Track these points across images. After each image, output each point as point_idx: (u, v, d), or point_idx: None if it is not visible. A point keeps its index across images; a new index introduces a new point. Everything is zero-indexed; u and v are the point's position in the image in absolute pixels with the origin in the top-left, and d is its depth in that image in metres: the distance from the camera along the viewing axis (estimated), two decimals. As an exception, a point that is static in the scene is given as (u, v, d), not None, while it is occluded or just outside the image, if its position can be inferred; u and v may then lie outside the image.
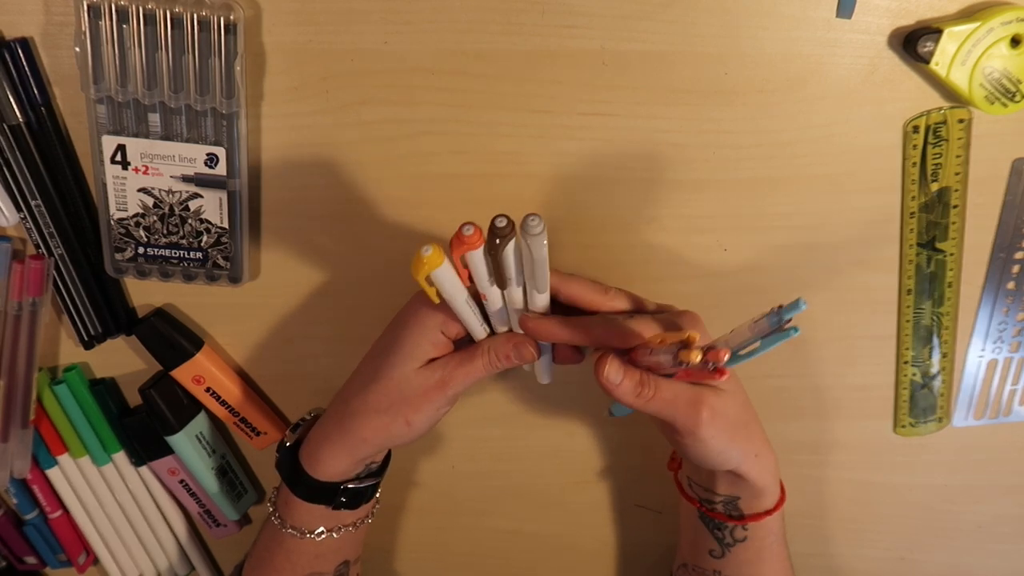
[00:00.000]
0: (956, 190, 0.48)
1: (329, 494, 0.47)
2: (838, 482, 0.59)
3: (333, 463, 0.46)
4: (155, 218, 0.48)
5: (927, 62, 0.43)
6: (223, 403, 0.54)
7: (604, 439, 0.58)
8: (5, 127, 0.46)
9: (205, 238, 0.48)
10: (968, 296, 0.52)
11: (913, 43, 0.43)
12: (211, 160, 0.46)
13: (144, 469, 0.58)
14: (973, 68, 0.43)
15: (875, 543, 0.62)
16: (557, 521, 0.61)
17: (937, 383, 0.54)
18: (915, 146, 0.47)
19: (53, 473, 0.57)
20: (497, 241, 0.38)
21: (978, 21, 0.42)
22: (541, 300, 0.43)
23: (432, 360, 0.44)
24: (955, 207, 0.49)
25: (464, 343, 0.45)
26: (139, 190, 0.47)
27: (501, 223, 0.38)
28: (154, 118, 0.45)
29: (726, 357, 0.36)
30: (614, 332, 0.42)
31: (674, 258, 0.51)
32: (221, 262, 0.49)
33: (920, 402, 0.55)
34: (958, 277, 0.51)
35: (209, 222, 0.48)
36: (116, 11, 0.42)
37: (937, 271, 0.51)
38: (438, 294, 0.40)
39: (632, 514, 0.61)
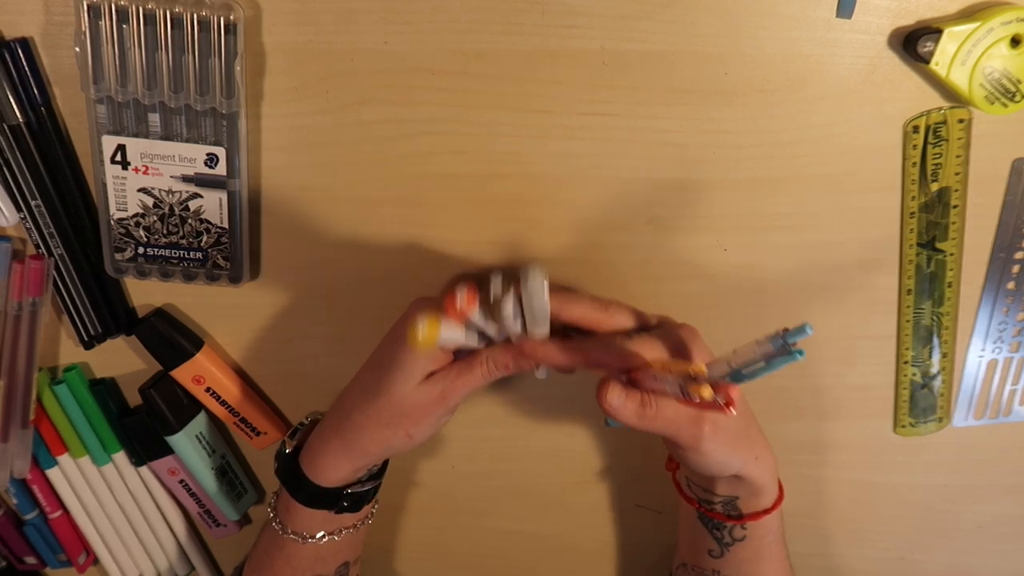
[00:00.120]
0: (956, 190, 0.48)
1: (332, 499, 0.47)
2: (838, 482, 0.59)
3: (335, 471, 0.46)
4: (155, 218, 0.48)
5: (927, 62, 0.43)
6: (223, 403, 0.54)
7: (604, 439, 0.58)
8: (5, 127, 0.46)
9: (205, 238, 0.48)
10: (968, 296, 0.52)
11: (913, 43, 0.43)
12: (211, 160, 0.46)
13: (144, 469, 0.58)
14: (973, 68, 0.43)
15: (875, 543, 0.62)
16: (557, 521, 0.61)
17: (937, 383, 0.54)
18: (915, 146, 0.47)
19: (53, 473, 0.57)
20: (493, 301, 0.38)
21: (978, 21, 0.42)
22: (540, 332, 0.43)
23: (431, 374, 0.45)
24: (955, 207, 0.49)
25: (463, 352, 0.46)
26: (139, 190, 0.47)
27: (496, 288, 0.37)
28: (154, 118, 0.45)
29: (736, 395, 0.36)
30: (614, 355, 0.42)
31: (674, 258, 0.51)
32: (221, 262, 0.49)
33: (920, 402, 0.55)
34: (958, 277, 0.51)
35: (209, 222, 0.48)
36: (116, 11, 0.42)
37: (937, 271, 0.51)
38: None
39: (632, 514, 0.61)
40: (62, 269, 0.50)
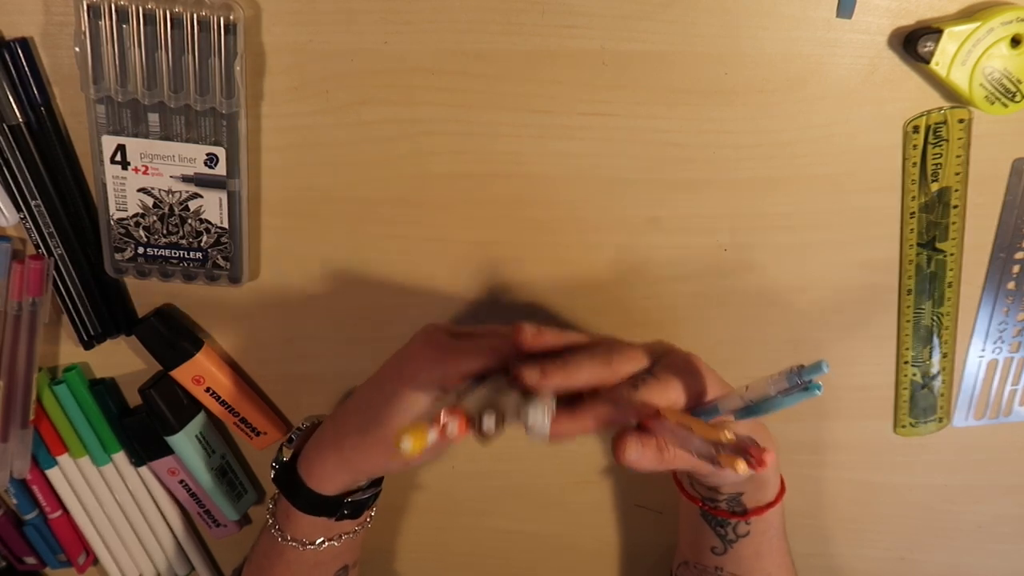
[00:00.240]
0: (956, 190, 0.48)
1: (332, 507, 0.47)
2: (838, 482, 0.59)
3: (333, 482, 0.46)
4: (155, 218, 0.48)
5: (927, 62, 0.43)
6: (223, 403, 0.54)
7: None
8: (5, 127, 0.46)
9: (205, 238, 0.48)
10: (968, 296, 0.52)
11: (913, 43, 0.43)
12: (211, 160, 0.46)
13: (144, 469, 0.58)
14: (973, 68, 0.43)
15: (875, 543, 0.61)
16: (557, 521, 0.61)
17: (937, 383, 0.54)
18: (915, 146, 0.47)
19: (53, 473, 0.57)
20: (484, 434, 0.36)
21: (978, 21, 0.42)
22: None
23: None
24: (955, 207, 0.49)
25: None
26: (139, 190, 0.47)
27: (489, 428, 0.35)
28: (154, 118, 0.45)
29: (770, 460, 0.35)
30: (625, 411, 0.40)
31: (674, 258, 0.51)
32: (221, 262, 0.49)
33: (920, 402, 0.55)
34: (958, 277, 0.51)
35: (209, 222, 0.48)
36: (116, 11, 0.42)
37: (937, 271, 0.51)
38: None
39: (632, 514, 0.61)
40: (62, 269, 0.50)
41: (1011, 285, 0.52)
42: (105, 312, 0.52)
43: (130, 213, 0.48)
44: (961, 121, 0.46)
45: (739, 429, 0.41)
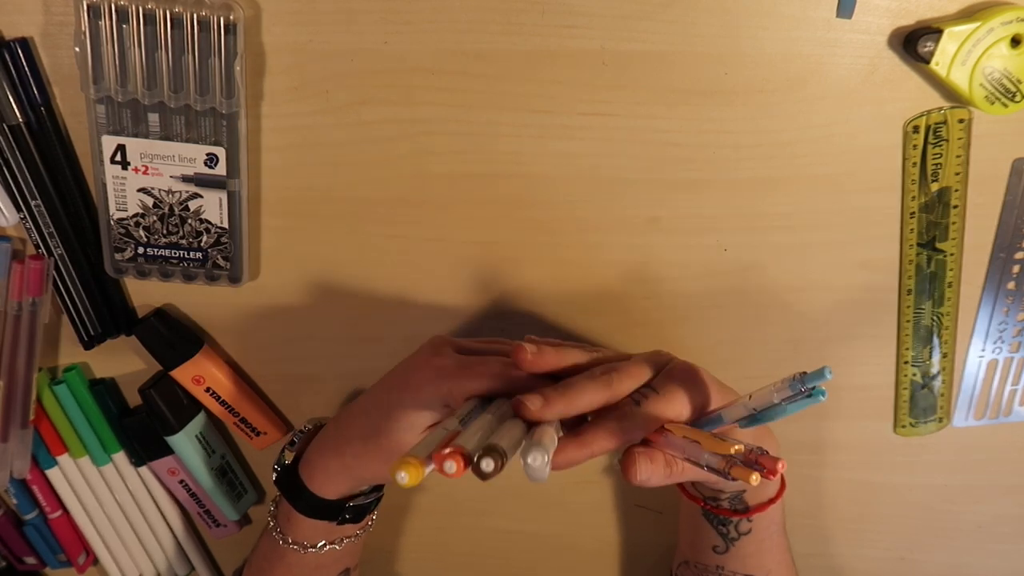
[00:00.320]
0: (956, 190, 0.48)
1: (334, 511, 0.47)
2: (838, 482, 0.59)
3: (334, 487, 0.47)
4: (155, 218, 0.48)
5: (927, 62, 0.43)
6: (223, 403, 0.54)
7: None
8: (5, 127, 0.46)
9: (205, 238, 0.48)
10: (968, 296, 0.52)
11: (913, 43, 0.43)
12: (211, 160, 0.46)
13: (144, 469, 0.58)
14: (973, 68, 0.43)
15: (875, 543, 0.61)
16: (557, 521, 0.61)
17: (937, 383, 0.54)
18: (915, 146, 0.47)
19: (53, 473, 0.57)
20: (482, 475, 0.36)
21: (978, 21, 0.42)
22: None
23: (434, 424, 0.43)
24: (955, 207, 0.49)
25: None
26: (139, 190, 0.47)
27: (488, 469, 0.34)
28: (154, 118, 0.45)
29: (782, 469, 0.35)
30: (629, 432, 0.40)
31: (674, 258, 0.51)
32: (221, 262, 0.49)
33: (920, 402, 0.55)
34: (958, 277, 0.51)
35: (209, 222, 0.48)
36: (116, 11, 0.42)
37: (937, 271, 0.51)
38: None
39: (632, 514, 0.61)
40: (62, 269, 0.50)
41: (1011, 285, 0.52)
42: (105, 312, 0.52)
43: (130, 213, 0.48)
44: (961, 121, 0.46)
45: (744, 435, 0.41)
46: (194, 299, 0.52)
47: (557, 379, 0.42)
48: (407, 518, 0.62)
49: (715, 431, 0.40)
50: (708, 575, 0.51)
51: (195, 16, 0.42)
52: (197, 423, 0.55)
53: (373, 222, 0.50)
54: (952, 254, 0.50)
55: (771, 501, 0.48)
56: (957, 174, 0.48)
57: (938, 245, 0.50)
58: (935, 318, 0.52)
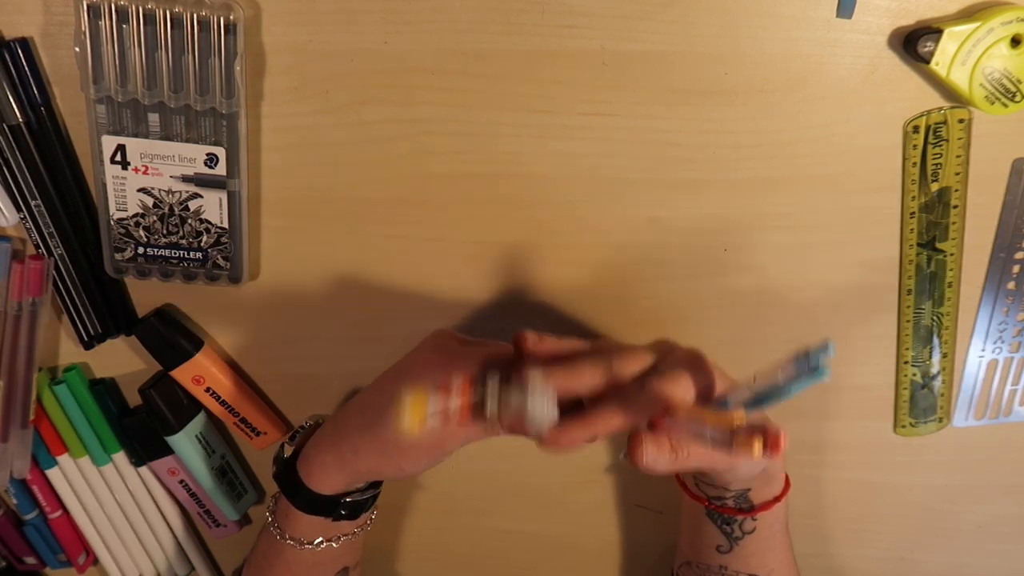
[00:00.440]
0: (956, 190, 0.48)
1: (329, 507, 0.47)
2: (838, 482, 0.59)
3: (330, 482, 0.46)
4: (155, 218, 0.48)
5: (927, 62, 0.43)
6: (223, 403, 0.54)
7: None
8: (5, 127, 0.46)
9: (205, 238, 0.48)
10: (968, 296, 0.52)
11: (913, 43, 0.43)
12: (211, 160, 0.46)
13: (144, 469, 0.58)
14: (973, 68, 0.43)
15: (875, 543, 0.62)
16: (558, 521, 0.61)
17: (937, 383, 0.54)
18: (915, 146, 0.47)
19: (53, 473, 0.57)
20: (489, 416, 0.36)
21: (978, 21, 0.42)
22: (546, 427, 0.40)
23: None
24: (955, 207, 0.49)
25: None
26: (139, 190, 0.47)
27: (493, 405, 0.34)
28: (154, 118, 0.45)
29: (784, 443, 0.36)
30: (635, 411, 0.40)
31: (674, 258, 0.51)
32: (221, 262, 0.49)
33: (920, 402, 0.55)
34: (958, 277, 0.51)
35: (209, 222, 0.48)
36: (116, 11, 0.42)
37: (937, 271, 0.51)
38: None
39: (633, 514, 0.61)
40: (62, 269, 0.50)
41: (1011, 285, 0.52)
42: (105, 312, 0.52)
43: (130, 213, 0.48)
44: (961, 121, 0.46)
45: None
46: (194, 299, 0.52)
47: None
48: (407, 518, 0.62)
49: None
50: (711, 575, 0.50)
51: (195, 16, 0.42)
52: (197, 423, 0.55)
53: (373, 222, 0.50)
54: (952, 254, 0.50)
55: (776, 499, 0.48)
56: (957, 174, 0.48)
57: (938, 245, 0.50)
58: (935, 318, 0.52)
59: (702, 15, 0.44)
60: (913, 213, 0.49)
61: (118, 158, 0.46)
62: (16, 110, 0.45)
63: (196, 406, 0.55)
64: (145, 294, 0.52)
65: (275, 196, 0.49)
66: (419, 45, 0.45)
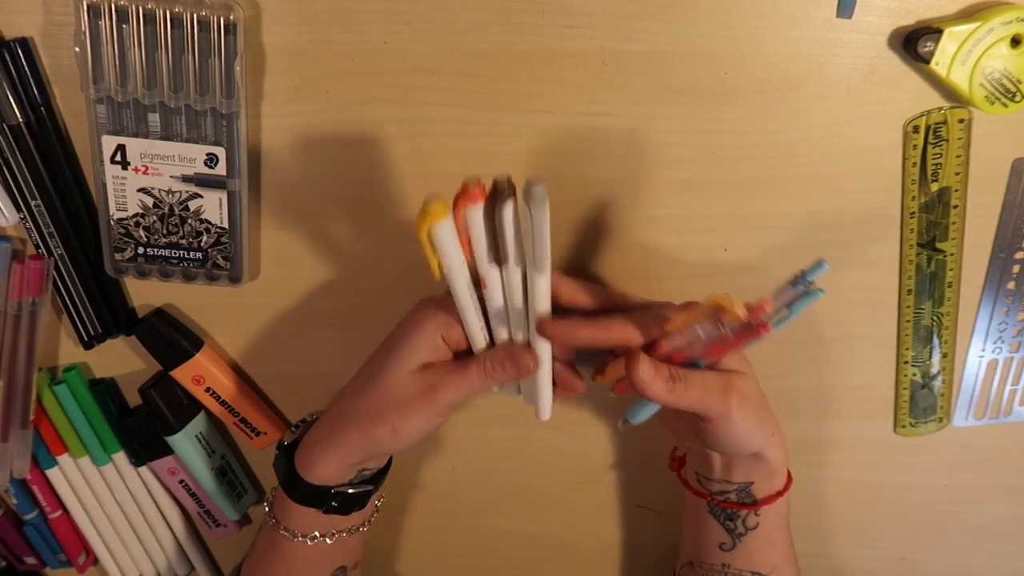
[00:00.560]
0: (956, 190, 0.48)
1: (320, 497, 0.47)
2: (838, 482, 0.59)
3: (324, 467, 0.46)
4: (155, 218, 0.48)
5: (927, 62, 0.43)
6: (223, 403, 0.54)
7: (604, 439, 0.58)
8: (5, 127, 0.46)
9: (205, 238, 0.48)
10: (968, 296, 0.52)
11: (913, 43, 0.43)
12: (211, 160, 0.46)
13: (144, 469, 0.58)
14: (973, 68, 0.43)
15: (875, 543, 0.62)
16: (558, 521, 0.61)
17: (937, 383, 0.54)
18: (915, 146, 0.47)
19: (53, 473, 0.57)
20: (497, 200, 0.37)
21: (978, 21, 0.42)
22: (541, 286, 0.41)
23: (427, 366, 0.44)
24: (955, 207, 0.49)
25: (464, 356, 0.45)
26: (139, 190, 0.47)
27: (502, 181, 0.37)
28: (154, 118, 0.45)
29: (769, 309, 0.37)
30: (635, 327, 0.42)
31: (674, 258, 0.51)
32: (221, 262, 0.49)
33: (920, 402, 0.55)
34: (958, 277, 0.51)
35: (209, 222, 0.48)
36: (116, 11, 0.42)
37: (937, 271, 0.51)
38: (440, 269, 0.40)
39: (633, 514, 0.61)
40: (62, 269, 0.50)
41: (1011, 285, 0.52)
42: (105, 312, 0.52)
43: (130, 213, 0.48)
44: (961, 121, 0.46)
45: (731, 364, 0.44)
46: (194, 299, 0.53)
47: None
48: (407, 518, 0.62)
49: (716, 343, 0.41)
50: (714, 574, 0.50)
51: (195, 16, 0.42)
52: (197, 423, 0.55)
53: (373, 222, 0.50)
54: (952, 254, 0.50)
55: (779, 494, 0.48)
56: (957, 174, 0.48)
57: (938, 245, 0.50)
58: (935, 318, 0.52)
59: (702, 15, 0.44)
60: (913, 213, 0.49)
61: (118, 158, 0.46)
62: (16, 110, 0.45)
63: (196, 406, 0.55)
64: (145, 294, 0.52)
65: (275, 196, 0.49)
66: (419, 45, 0.45)
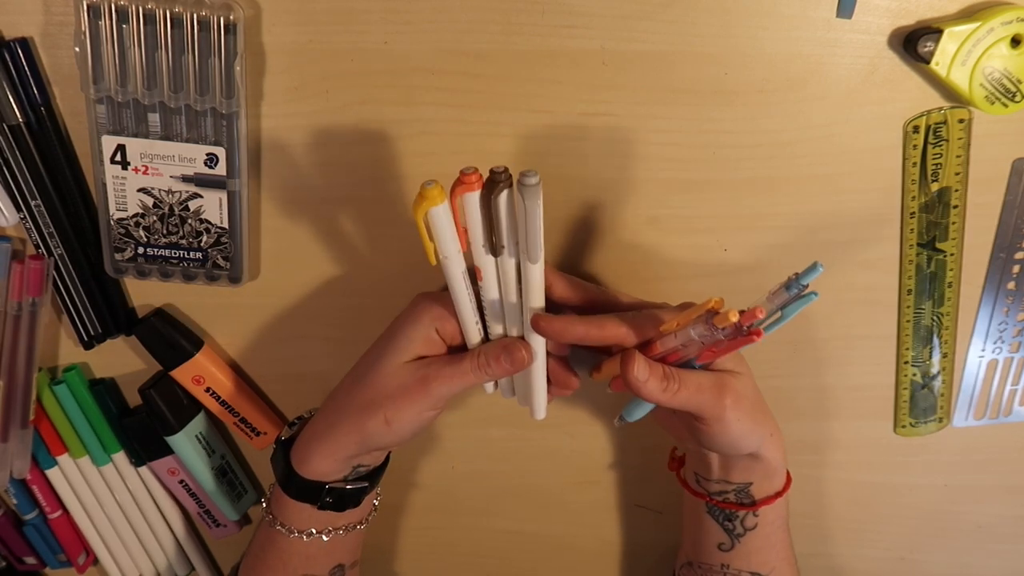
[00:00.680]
0: (956, 190, 0.48)
1: (314, 493, 0.47)
2: (838, 482, 0.59)
3: (319, 461, 0.46)
4: (155, 218, 0.48)
5: (927, 62, 0.43)
6: (223, 403, 0.54)
7: (604, 439, 0.58)
8: (5, 127, 0.46)
9: (205, 238, 0.48)
10: (968, 296, 0.52)
11: (913, 43, 0.43)
12: (211, 160, 0.46)
13: (144, 469, 0.58)
14: (973, 68, 0.43)
15: (875, 543, 0.62)
16: (558, 521, 0.61)
17: (937, 383, 0.54)
18: (915, 146, 0.47)
19: (53, 473, 0.57)
20: (493, 189, 0.38)
21: (978, 21, 0.42)
22: (535, 276, 0.41)
23: (421, 359, 0.45)
24: (955, 207, 0.49)
25: (459, 351, 0.46)
26: (139, 190, 0.47)
27: (498, 170, 0.38)
28: (154, 118, 0.45)
29: (762, 315, 0.37)
30: (630, 326, 0.42)
31: (674, 258, 0.51)
32: (221, 262, 0.49)
33: (920, 402, 0.55)
34: (958, 277, 0.51)
35: (209, 222, 0.48)
36: (116, 11, 0.42)
37: (937, 271, 0.51)
38: (436, 255, 0.40)
39: (633, 514, 0.61)
40: (62, 269, 0.50)
41: (1011, 285, 0.52)
42: (105, 312, 0.52)
43: (130, 213, 0.48)
44: (961, 121, 0.46)
45: (726, 363, 0.44)
46: (194, 299, 0.53)
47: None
48: (407, 518, 0.62)
49: (710, 345, 0.41)
50: (713, 574, 0.50)
51: (195, 16, 0.42)
52: (197, 423, 0.55)
53: (373, 222, 0.50)
54: (952, 254, 0.50)
55: (778, 494, 0.48)
56: (957, 174, 0.48)
57: (938, 245, 0.50)
58: (935, 318, 0.52)
59: (702, 15, 0.44)
60: (913, 213, 0.49)
61: (118, 158, 0.46)
62: (16, 110, 0.45)
63: (196, 406, 0.55)
64: (145, 294, 0.52)
65: (275, 196, 0.49)
66: (419, 45, 0.45)
